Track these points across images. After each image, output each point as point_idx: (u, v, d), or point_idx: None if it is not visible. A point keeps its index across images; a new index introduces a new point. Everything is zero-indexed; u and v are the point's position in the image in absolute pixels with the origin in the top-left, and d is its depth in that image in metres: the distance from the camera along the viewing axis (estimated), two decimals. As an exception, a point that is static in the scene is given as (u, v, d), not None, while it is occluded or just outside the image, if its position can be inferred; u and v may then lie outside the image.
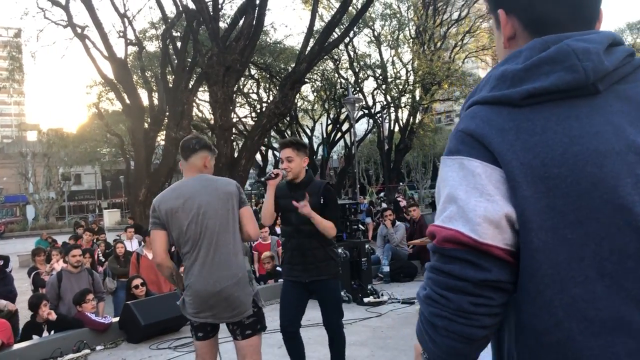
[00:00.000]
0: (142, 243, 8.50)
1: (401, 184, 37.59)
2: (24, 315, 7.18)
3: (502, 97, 0.90)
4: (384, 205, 19.52)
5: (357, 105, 17.31)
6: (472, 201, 0.86)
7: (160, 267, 3.02)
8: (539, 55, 0.90)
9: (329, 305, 3.85)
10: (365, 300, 7.08)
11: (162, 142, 20.39)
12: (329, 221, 3.67)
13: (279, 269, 8.42)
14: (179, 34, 18.88)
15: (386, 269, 8.59)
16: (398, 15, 27.63)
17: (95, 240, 11.70)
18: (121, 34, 18.44)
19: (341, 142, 31.92)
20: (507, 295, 0.88)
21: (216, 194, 2.93)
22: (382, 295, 7.22)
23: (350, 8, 18.92)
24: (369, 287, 7.39)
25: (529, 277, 0.86)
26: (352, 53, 27.34)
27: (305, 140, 30.99)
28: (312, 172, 3.95)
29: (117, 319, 6.21)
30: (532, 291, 0.86)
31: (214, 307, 2.89)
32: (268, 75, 25.44)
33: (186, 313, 3.03)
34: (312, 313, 6.25)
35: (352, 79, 27.58)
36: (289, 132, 29.43)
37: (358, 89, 27.27)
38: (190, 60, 16.50)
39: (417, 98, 27.70)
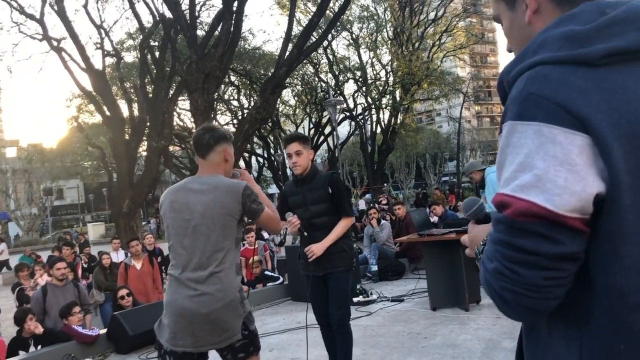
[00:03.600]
0: (129, 254, 8.41)
1: (385, 184, 37.74)
2: (10, 333, 7.08)
3: (577, 56, 0.88)
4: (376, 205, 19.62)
5: (338, 107, 17.38)
6: (552, 170, 0.84)
7: None
8: (610, 16, 0.90)
9: (334, 298, 3.74)
10: (355, 299, 7.07)
11: (144, 153, 20.21)
12: (339, 227, 3.72)
13: (267, 272, 8.41)
14: (156, 43, 18.80)
15: (374, 268, 8.60)
16: (375, 18, 27.83)
17: (77, 254, 11.50)
18: (98, 45, 18.29)
19: (324, 146, 31.98)
20: (579, 264, 0.86)
21: (214, 206, 2.57)
22: (371, 294, 7.23)
23: (328, 12, 19.01)
24: (358, 286, 7.40)
25: (619, 238, 0.85)
26: (331, 56, 27.47)
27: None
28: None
29: (104, 330, 6.14)
30: (621, 252, 0.85)
31: (198, 332, 2.53)
32: (248, 82, 25.42)
33: (163, 339, 2.60)
34: (303, 315, 6.27)
35: (332, 82, 27.67)
36: (271, 138, 29.41)
37: (339, 91, 27.38)
38: (169, 69, 16.44)
39: (398, 99, 27.90)
